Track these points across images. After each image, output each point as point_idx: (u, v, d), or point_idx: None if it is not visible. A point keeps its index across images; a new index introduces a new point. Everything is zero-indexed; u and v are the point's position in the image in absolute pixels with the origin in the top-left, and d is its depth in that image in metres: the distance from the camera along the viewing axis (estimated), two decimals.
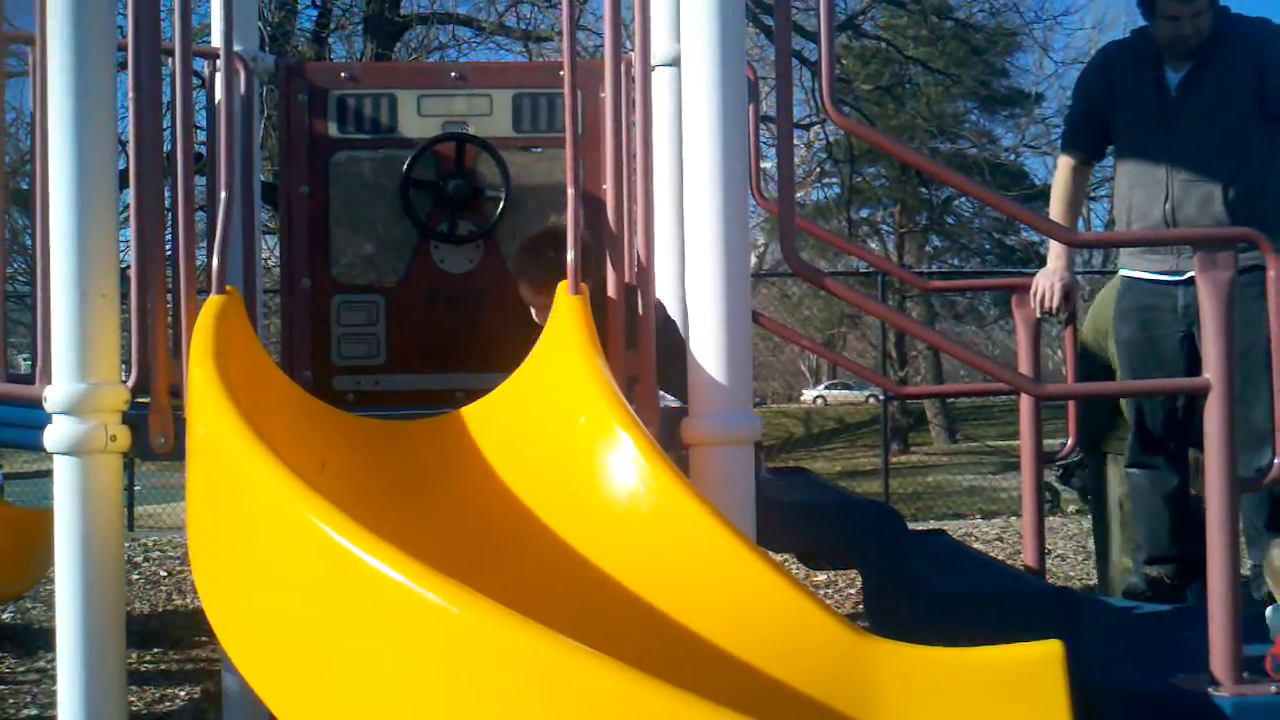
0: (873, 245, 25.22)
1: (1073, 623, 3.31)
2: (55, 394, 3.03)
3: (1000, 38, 21.90)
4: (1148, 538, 4.54)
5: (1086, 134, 4.60)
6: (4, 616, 6.80)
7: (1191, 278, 3.37)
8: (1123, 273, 4.57)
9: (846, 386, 34.01)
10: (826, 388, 35.55)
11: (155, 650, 6.06)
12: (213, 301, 2.99)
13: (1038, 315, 4.34)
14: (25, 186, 9.75)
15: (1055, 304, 4.31)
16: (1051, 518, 9.97)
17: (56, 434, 3.02)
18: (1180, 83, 4.30)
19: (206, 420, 2.62)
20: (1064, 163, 4.65)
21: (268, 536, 2.39)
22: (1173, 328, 4.31)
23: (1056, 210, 4.58)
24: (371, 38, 14.60)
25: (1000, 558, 7.57)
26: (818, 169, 22.53)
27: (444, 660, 2.08)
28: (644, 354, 3.11)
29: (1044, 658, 2.36)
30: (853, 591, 7.20)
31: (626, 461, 2.65)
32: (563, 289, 3.08)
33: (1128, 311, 4.49)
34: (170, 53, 3.28)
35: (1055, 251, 4.40)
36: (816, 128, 19.08)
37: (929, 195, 24.59)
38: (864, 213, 26.65)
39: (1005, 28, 21.16)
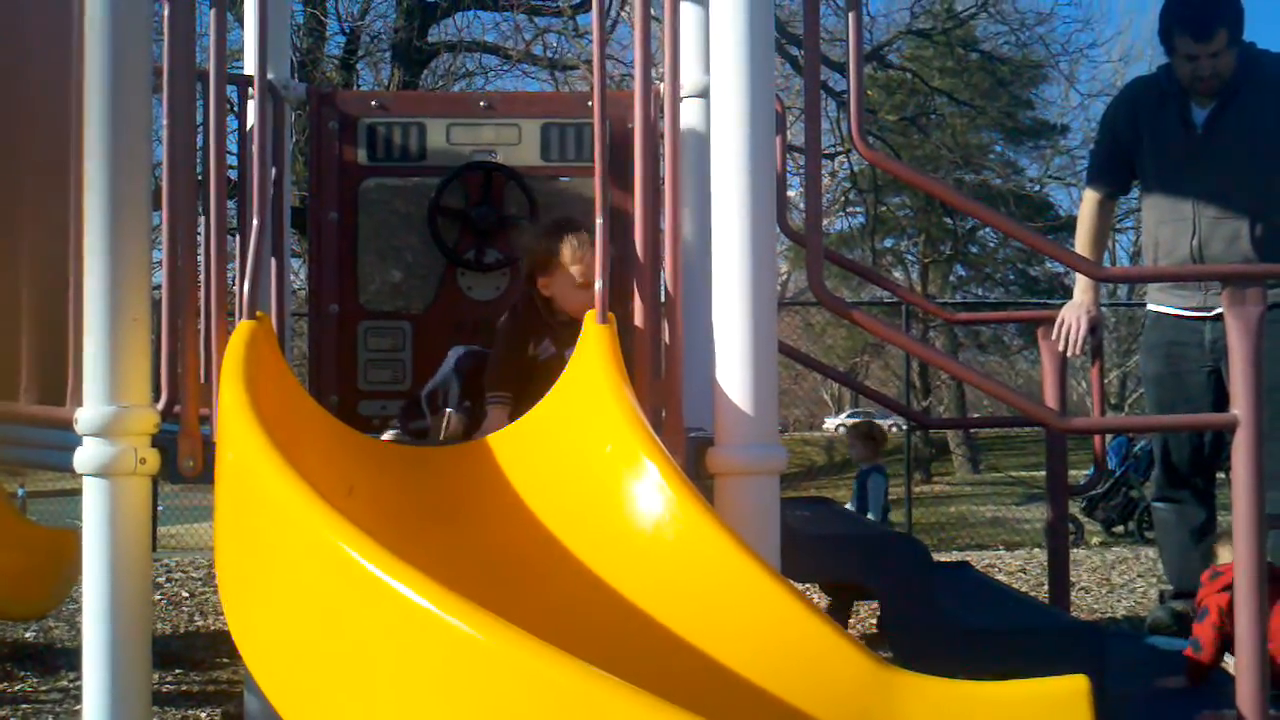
0: (896, 275, 25.19)
1: (1099, 658, 3.28)
2: (86, 416, 3.05)
3: (1026, 69, 21.89)
4: (1174, 573, 4.51)
5: (1111, 169, 4.60)
6: (27, 635, 6.82)
7: (1219, 314, 3.37)
8: (1150, 308, 4.56)
9: (869, 415, 33.92)
10: (849, 416, 35.46)
11: (177, 671, 6.06)
12: (243, 326, 3.01)
13: (1061, 349, 4.34)
14: None
15: (1081, 337, 4.31)
16: (1076, 550, 9.91)
17: (86, 456, 3.05)
18: (1206, 120, 4.30)
19: (236, 445, 2.64)
20: (1089, 196, 4.65)
21: (295, 561, 2.41)
22: (1199, 363, 4.30)
23: (1082, 244, 4.58)
24: (399, 65, 14.70)
25: (1024, 589, 7.52)
26: (842, 198, 22.53)
27: (470, 687, 2.09)
28: (671, 383, 3.12)
29: (1070, 693, 2.35)
30: (874, 621, 7.17)
31: (652, 490, 2.66)
32: (590, 318, 3.09)
33: (1154, 346, 4.48)
34: (204, 79, 3.31)
35: (1081, 285, 4.40)
36: (841, 157, 19.11)
37: (953, 225, 24.57)
38: (888, 242, 26.61)
39: (1031, 60, 21.16)
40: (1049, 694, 2.36)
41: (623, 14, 13.85)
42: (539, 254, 3.54)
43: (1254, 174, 4.24)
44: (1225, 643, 3.52)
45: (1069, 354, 4.34)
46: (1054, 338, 4.34)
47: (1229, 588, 3.49)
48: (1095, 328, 4.34)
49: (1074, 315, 4.32)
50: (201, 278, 3.31)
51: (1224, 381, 4.06)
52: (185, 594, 8.51)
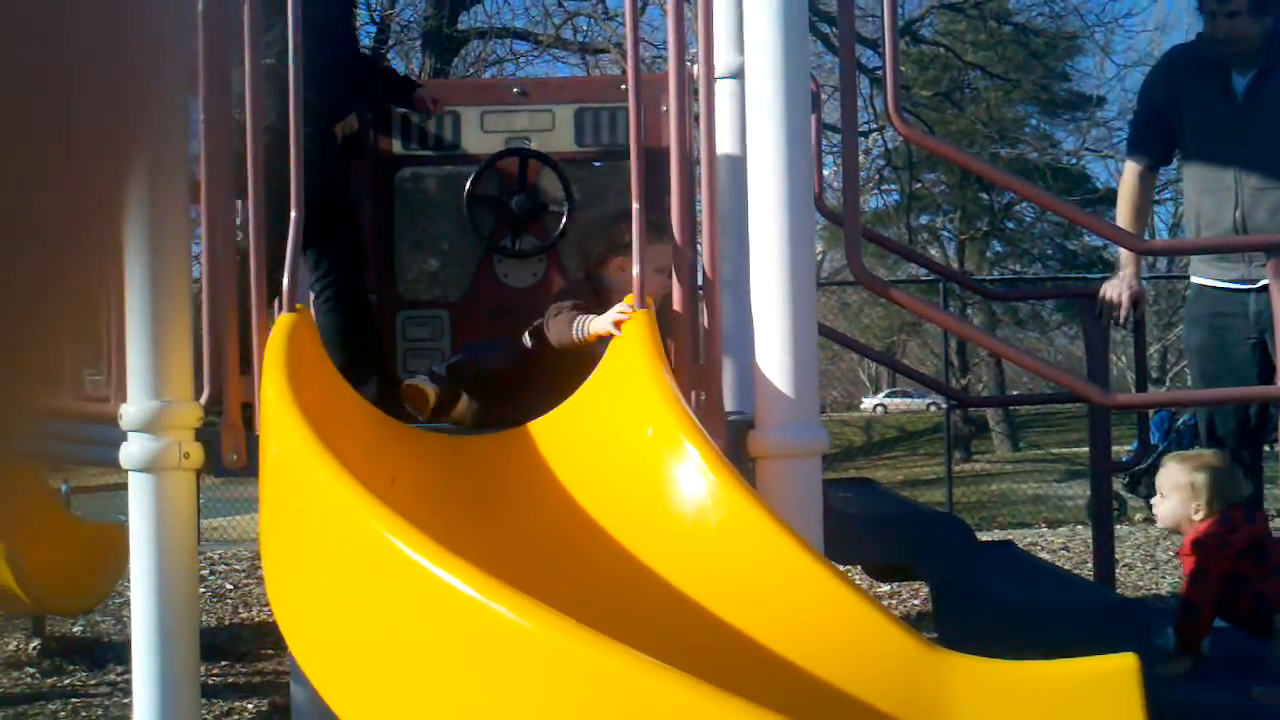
0: (933, 252, 25.04)
1: (1145, 635, 3.26)
2: (130, 412, 3.08)
3: (1061, 41, 21.68)
4: None
5: (1151, 139, 4.55)
6: (75, 630, 6.90)
7: (1264, 285, 3.32)
8: (1193, 280, 4.52)
9: (906, 394, 33.77)
10: (887, 396, 35.34)
11: (222, 663, 6.12)
12: (284, 319, 3.02)
13: (1105, 324, 4.30)
14: None
15: (1125, 313, 4.27)
16: (1119, 526, 9.84)
17: (131, 451, 3.07)
18: (1246, 88, 4.25)
19: (280, 437, 2.65)
20: (1130, 168, 4.60)
21: (341, 551, 2.42)
22: (1244, 334, 4.25)
23: (1124, 216, 4.54)
24: (430, 53, 14.71)
25: (1066, 567, 7.47)
26: (876, 176, 22.41)
27: (518, 675, 2.09)
28: (711, 366, 3.11)
29: (1120, 671, 2.33)
30: (916, 602, 7.15)
31: (694, 474, 2.65)
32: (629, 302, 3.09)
33: (1198, 318, 4.44)
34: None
35: (1124, 259, 4.36)
36: (874, 134, 19.01)
37: (989, 200, 24.39)
38: (923, 219, 26.46)
39: (1066, 31, 20.96)
40: (1098, 672, 2.35)
41: None
42: (622, 236, 3.42)
43: None
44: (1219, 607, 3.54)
45: (1116, 319, 4.31)
46: (1096, 313, 4.30)
47: (1244, 554, 3.48)
48: (1138, 301, 4.30)
49: (1116, 290, 4.29)
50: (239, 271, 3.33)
51: (1270, 353, 4.02)
52: (229, 586, 8.58)
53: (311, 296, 3.92)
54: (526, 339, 3.53)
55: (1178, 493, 3.64)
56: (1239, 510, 3.61)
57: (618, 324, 3.09)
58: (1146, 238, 5.49)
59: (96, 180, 0.47)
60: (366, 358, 3.83)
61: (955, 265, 23.03)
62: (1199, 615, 3.50)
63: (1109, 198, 23.86)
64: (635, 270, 3.08)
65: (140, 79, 0.47)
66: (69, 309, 0.47)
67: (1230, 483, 3.66)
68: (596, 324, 3.20)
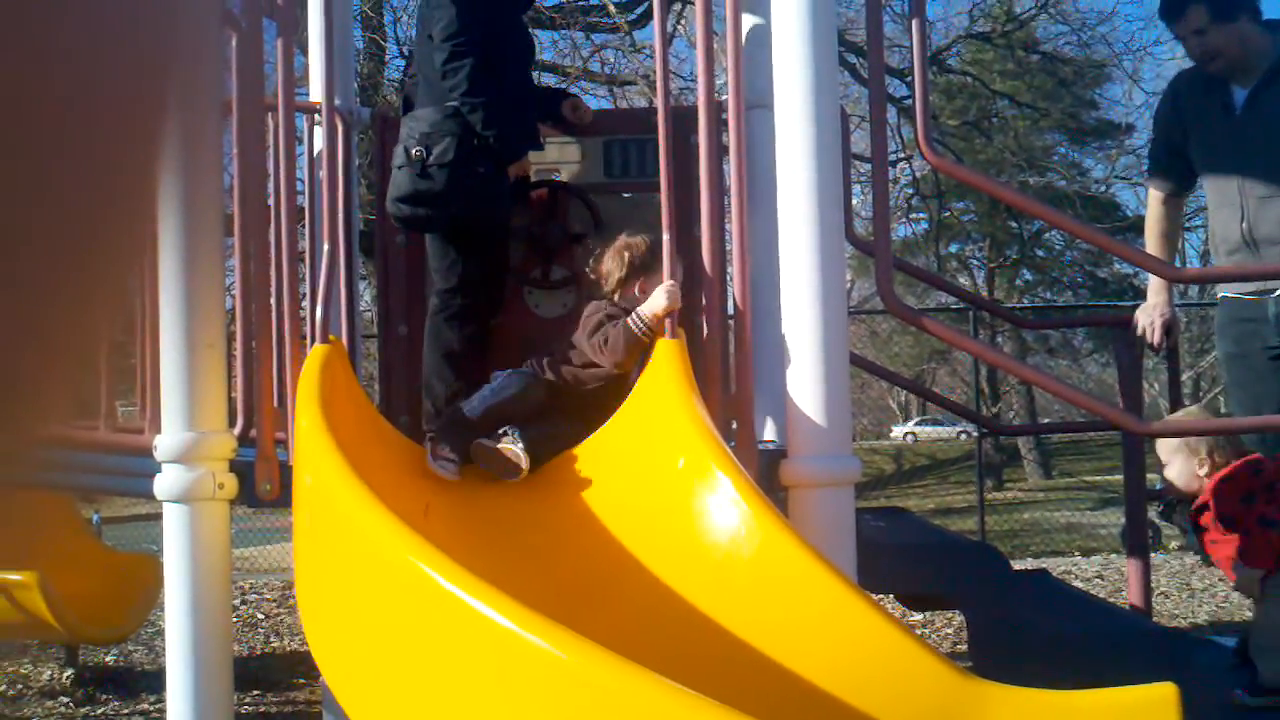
0: (962, 280, 24.98)
1: (1184, 665, 3.23)
2: (165, 443, 3.10)
3: (1089, 69, 21.66)
4: None
5: (1168, 165, 4.54)
6: (107, 659, 6.93)
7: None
8: (1218, 292, 4.50)
9: (937, 422, 33.63)
10: (917, 424, 35.20)
11: (254, 693, 6.12)
12: (317, 351, 3.04)
13: (1139, 352, 4.28)
14: None
15: (1158, 340, 4.25)
16: (1154, 555, 9.75)
17: (166, 482, 3.09)
18: (1245, 100, 4.24)
19: (314, 468, 2.66)
20: (1152, 196, 4.60)
21: (376, 582, 2.42)
22: (1266, 342, 4.21)
23: (1151, 244, 4.52)
24: None
25: (1101, 596, 7.42)
26: (905, 205, 22.40)
27: (552, 705, 2.09)
28: (742, 396, 3.11)
29: (1159, 701, 2.31)
30: (950, 631, 7.10)
31: (726, 504, 2.65)
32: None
33: (1223, 327, 4.42)
34: (272, 108, 3.35)
35: (1154, 286, 4.34)
36: (902, 163, 19.01)
37: (1019, 229, 24.33)
38: (953, 248, 26.41)
39: (1093, 59, 20.93)
40: (1138, 702, 2.32)
41: (679, 27, 13.87)
42: (639, 258, 3.45)
43: None
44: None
45: (1151, 347, 4.29)
46: (1130, 341, 4.29)
47: (1268, 492, 3.43)
48: (1170, 329, 4.28)
49: (1148, 318, 4.27)
50: (272, 303, 3.35)
51: None
52: (261, 616, 8.60)
53: (434, 309, 3.96)
54: (545, 371, 3.49)
55: (1178, 455, 3.60)
56: (1255, 455, 3.54)
57: (671, 305, 3.12)
58: (1178, 265, 5.47)
59: (123, 184, 0.47)
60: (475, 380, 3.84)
61: (985, 293, 22.97)
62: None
63: (1138, 225, 23.74)
64: (668, 286, 3.09)
65: (170, 93, 0.48)
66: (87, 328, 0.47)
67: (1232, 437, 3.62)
68: (654, 306, 3.19)
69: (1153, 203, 4.59)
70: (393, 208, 3.90)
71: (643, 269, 3.42)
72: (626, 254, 3.46)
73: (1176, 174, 4.53)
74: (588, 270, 3.67)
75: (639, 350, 3.24)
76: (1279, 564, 3.43)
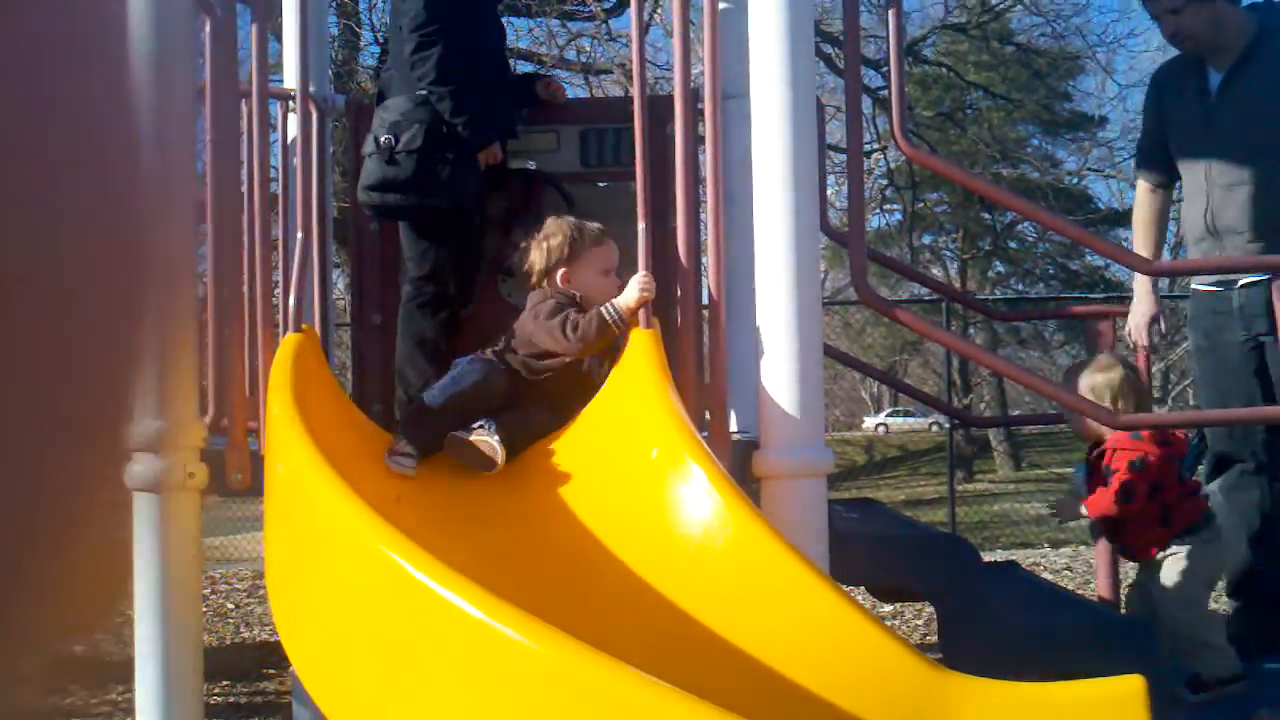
0: (935, 271, 25.06)
1: (1151, 656, 3.25)
2: (134, 431, 3.07)
3: (1063, 61, 21.75)
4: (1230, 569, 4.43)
5: (1152, 156, 4.51)
6: (76, 649, 6.88)
7: (1246, 281, 3.36)
8: (1192, 285, 4.52)
9: (908, 414, 33.73)
10: (888, 415, 35.30)
11: (224, 683, 6.10)
12: (290, 339, 3.02)
13: (1134, 349, 4.30)
14: None
15: (1148, 338, 4.28)
16: None
17: (136, 471, 3.07)
18: (1219, 86, 4.19)
19: (286, 457, 2.65)
20: (1140, 187, 4.56)
21: (347, 572, 2.42)
22: (1235, 333, 4.22)
23: (1138, 235, 4.49)
24: None
25: (1070, 588, 7.46)
26: (879, 195, 22.46)
27: (522, 695, 2.09)
28: (716, 386, 3.11)
29: (1126, 694, 2.33)
30: (919, 623, 7.14)
31: (700, 495, 2.65)
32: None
33: (1194, 320, 4.42)
34: (246, 95, 3.33)
35: (1140, 286, 4.35)
36: (876, 154, 19.05)
37: (991, 220, 24.43)
38: (926, 239, 26.49)
39: (1068, 51, 21.02)
40: (1105, 696, 2.34)
41: (655, 16, 13.86)
42: (560, 246, 3.41)
43: (1266, 139, 4.12)
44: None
45: (1145, 346, 4.30)
46: (1131, 341, 4.31)
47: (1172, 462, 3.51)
48: (1156, 318, 4.28)
49: (1140, 319, 4.28)
50: (245, 290, 3.33)
51: (1263, 350, 4.03)
52: (230, 606, 8.57)
53: (407, 297, 3.95)
54: (493, 356, 3.43)
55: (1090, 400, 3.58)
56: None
57: (644, 297, 3.11)
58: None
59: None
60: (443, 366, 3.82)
61: (957, 285, 23.07)
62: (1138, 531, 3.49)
63: (1110, 218, 23.88)
64: (641, 279, 3.09)
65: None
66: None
67: (1140, 386, 3.65)
68: (627, 299, 3.16)
69: (1140, 193, 4.56)
70: (363, 195, 3.89)
71: (565, 259, 3.38)
72: (546, 244, 3.42)
73: (1162, 164, 4.48)
74: (515, 264, 3.61)
75: (609, 340, 3.23)
76: (1168, 540, 3.49)
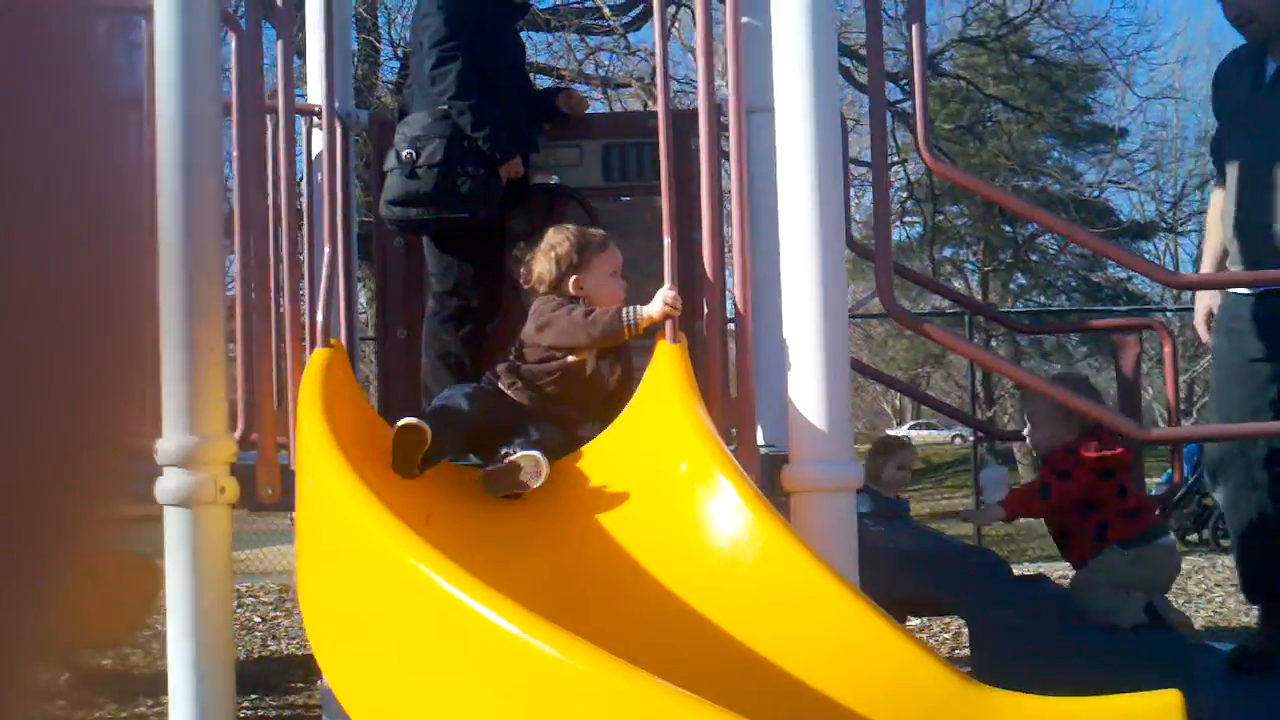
0: (956, 284, 24.99)
1: (1183, 670, 3.23)
2: (166, 447, 3.09)
3: (1082, 73, 21.69)
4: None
5: (1215, 151, 4.40)
6: (105, 663, 6.90)
7: (1262, 291, 3.35)
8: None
9: (931, 426, 33.61)
10: (911, 428, 35.17)
11: (252, 696, 6.10)
12: (319, 355, 3.03)
13: (1138, 359, 4.29)
14: None
15: (1207, 334, 4.28)
16: None
17: (168, 486, 3.08)
18: (1273, 75, 4.04)
19: (316, 472, 2.65)
20: (1214, 196, 4.47)
21: (379, 587, 2.41)
22: (1243, 343, 4.16)
23: (1208, 238, 4.41)
24: None
25: None
26: (899, 208, 22.42)
27: (558, 711, 2.08)
28: (743, 400, 3.10)
29: (1164, 707, 2.31)
30: (947, 637, 7.10)
31: (729, 509, 2.64)
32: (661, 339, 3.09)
33: (1219, 324, 4.36)
34: (272, 110, 3.35)
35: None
36: (896, 167, 19.02)
37: (1013, 233, 24.35)
38: (946, 252, 26.42)
39: (1087, 64, 20.96)
40: (1143, 709, 2.32)
41: (674, 30, 13.88)
42: (568, 254, 3.37)
43: None
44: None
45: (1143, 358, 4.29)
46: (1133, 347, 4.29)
47: (1110, 475, 3.77)
48: (1213, 313, 4.25)
49: (1195, 318, 4.29)
50: (272, 305, 3.34)
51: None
52: (258, 619, 8.57)
53: (431, 311, 3.97)
54: (503, 378, 3.38)
55: (1051, 416, 3.74)
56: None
57: (668, 312, 3.08)
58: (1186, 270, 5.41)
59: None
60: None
61: (979, 297, 22.98)
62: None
63: (1132, 230, 23.80)
64: (668, 295, 3.09)
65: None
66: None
67: (1096, 397, 3.79)
68: (650, 310, 3.12)
69: (1214, 196, 4.47)
70: (385, 210, 3.90)
71: (575, 266, 3.35)
72: (554, 253, 3.39)
73: (1221, 160, 4.37)
74: (520, 279, 3.57)
75: (616, 340, 3.20)
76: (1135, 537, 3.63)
